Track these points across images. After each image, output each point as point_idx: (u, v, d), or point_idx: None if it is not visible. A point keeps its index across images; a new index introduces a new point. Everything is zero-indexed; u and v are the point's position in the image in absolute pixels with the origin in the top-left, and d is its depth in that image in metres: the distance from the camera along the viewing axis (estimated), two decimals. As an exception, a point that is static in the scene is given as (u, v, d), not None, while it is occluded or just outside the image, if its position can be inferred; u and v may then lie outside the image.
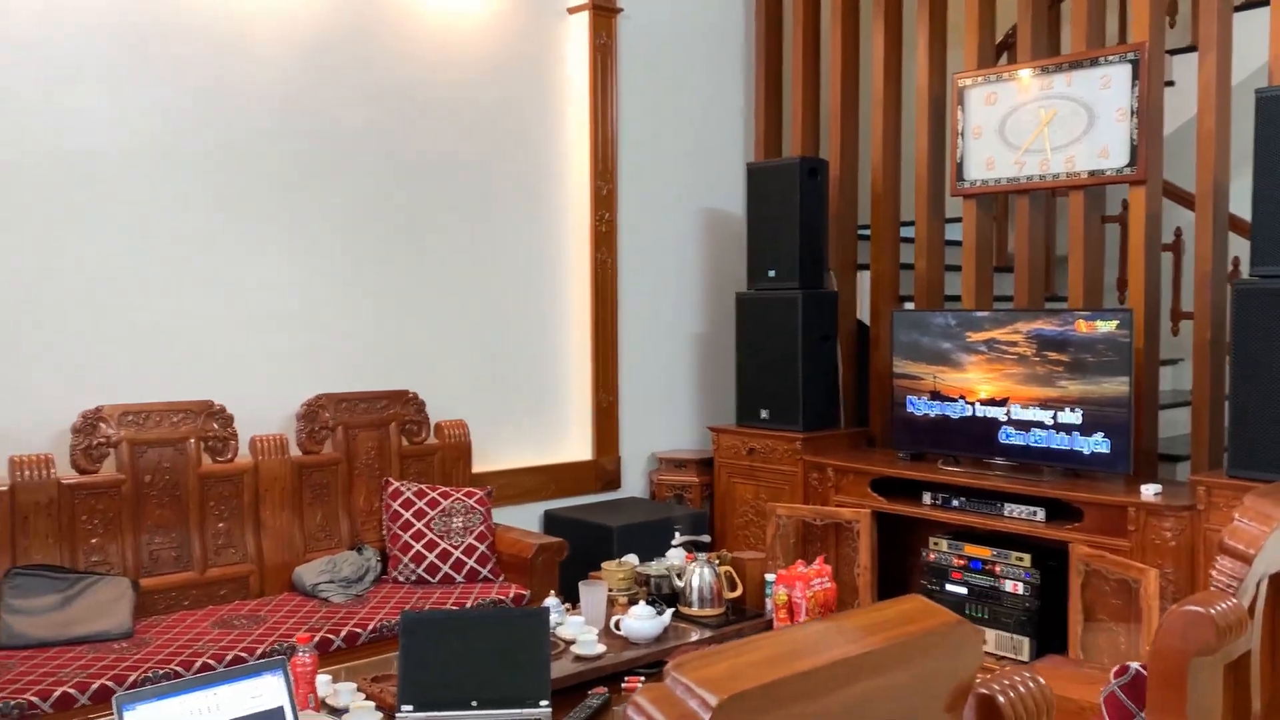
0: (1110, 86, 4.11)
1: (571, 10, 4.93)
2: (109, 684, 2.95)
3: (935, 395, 4.38)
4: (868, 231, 5.13)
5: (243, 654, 3.19)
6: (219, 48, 3.92)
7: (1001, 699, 1.30)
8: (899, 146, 4.98)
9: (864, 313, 5.19)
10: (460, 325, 4.60)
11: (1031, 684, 1.34)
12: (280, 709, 2.28)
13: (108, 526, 3.58)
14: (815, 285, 4.85)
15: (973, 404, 4.26)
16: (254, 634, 3.37)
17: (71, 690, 2.93)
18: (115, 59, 3.71)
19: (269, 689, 2.28)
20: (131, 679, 3.00)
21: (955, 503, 4.14)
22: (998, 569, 3.97)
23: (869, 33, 5.06)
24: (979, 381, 4.24)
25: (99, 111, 3.68)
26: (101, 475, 3.59)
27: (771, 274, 4.88)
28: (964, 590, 4.06)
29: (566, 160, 4.95)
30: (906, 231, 5.11)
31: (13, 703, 2.85)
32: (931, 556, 4.18)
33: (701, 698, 0.91)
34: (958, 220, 4.79)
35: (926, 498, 4.23)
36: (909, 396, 4.47)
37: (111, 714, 2.12)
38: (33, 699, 2.88)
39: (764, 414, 4.89)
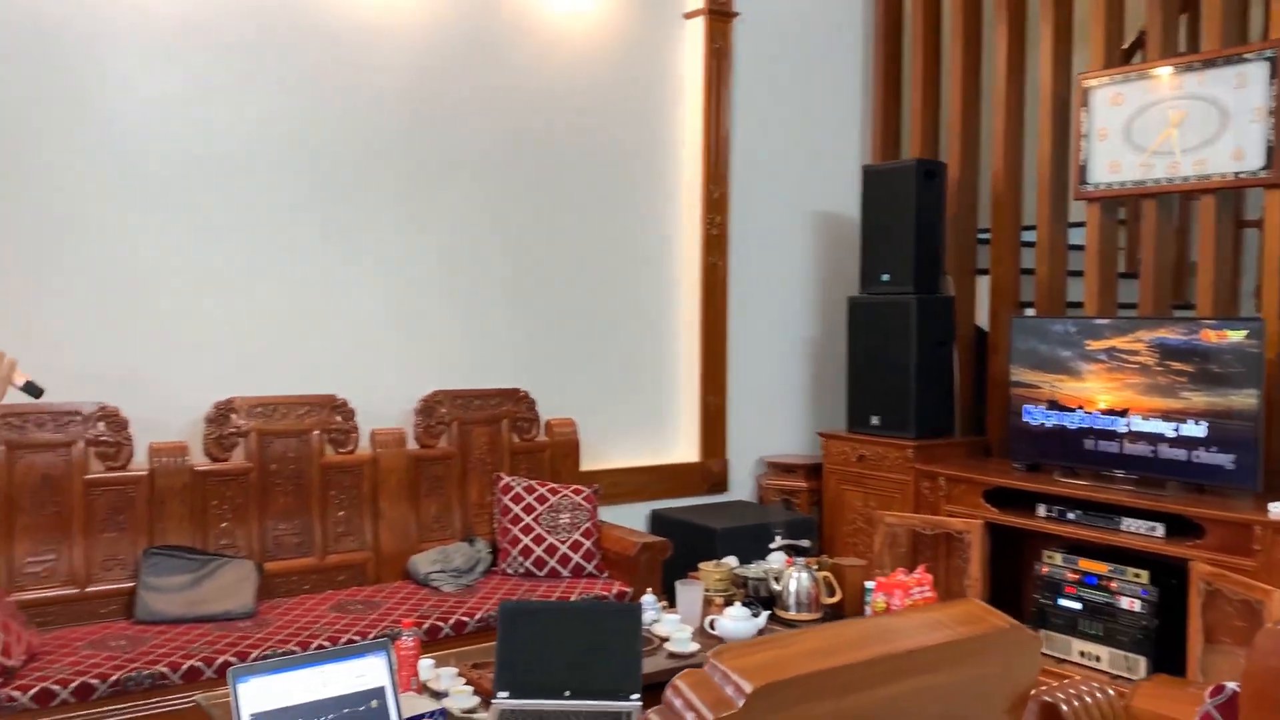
0: (1246, 85, 3.93)
1: (687, 15, 4.98)
2: (231, 659, 3.13)
3: (1053, 404, 4.26)
4: (987, 235, 5.01)
5: (356, 637, 3.34)
6: (341, 57, 4.11)
7: (1065, 707, 1.29)
8: (1021, 148, 4.86)
9: (983, 318, 5.08)
10: (572, 326, 4.69)
11: (1099, 694, 1.32)
12: (382, 689, 2.38)
13: (236, 512, 3.79)
14: (931, 290, 4.77)
15: (1091, 414, 4.13)
16: (368, 618, 3.52)
17: (198, 664, 3.12)
18: (247, 73, 3.92)
19: (373, 669, 2.39)
20: (252, 656, 3.17)
21: (1071, 515, 4.02)
22: (1114, 585, 3.84)
23: (991, 32, 4.95)
24: (1098, 391, 4.11)
25: (230, 120, 3.90)
26: (232, 463, 3.80)
27: (885, 278, 4.82)
28: (1078, 606, 3.93)
29: (679, 164, 5.00)
30: (1028, 236, 4.98)
31: (146, 673, 3.05)
32: (1045, 570, 4.07)
33: (737, 684, 0.94)
34: (1081, 225, 4.64)
35: (1041, 510, 4.12)
36: (1025, 406, 4.36)
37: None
38: (164, 670, 3.08)
39: (875, 420, 4.84)
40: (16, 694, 2.88)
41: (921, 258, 4.72)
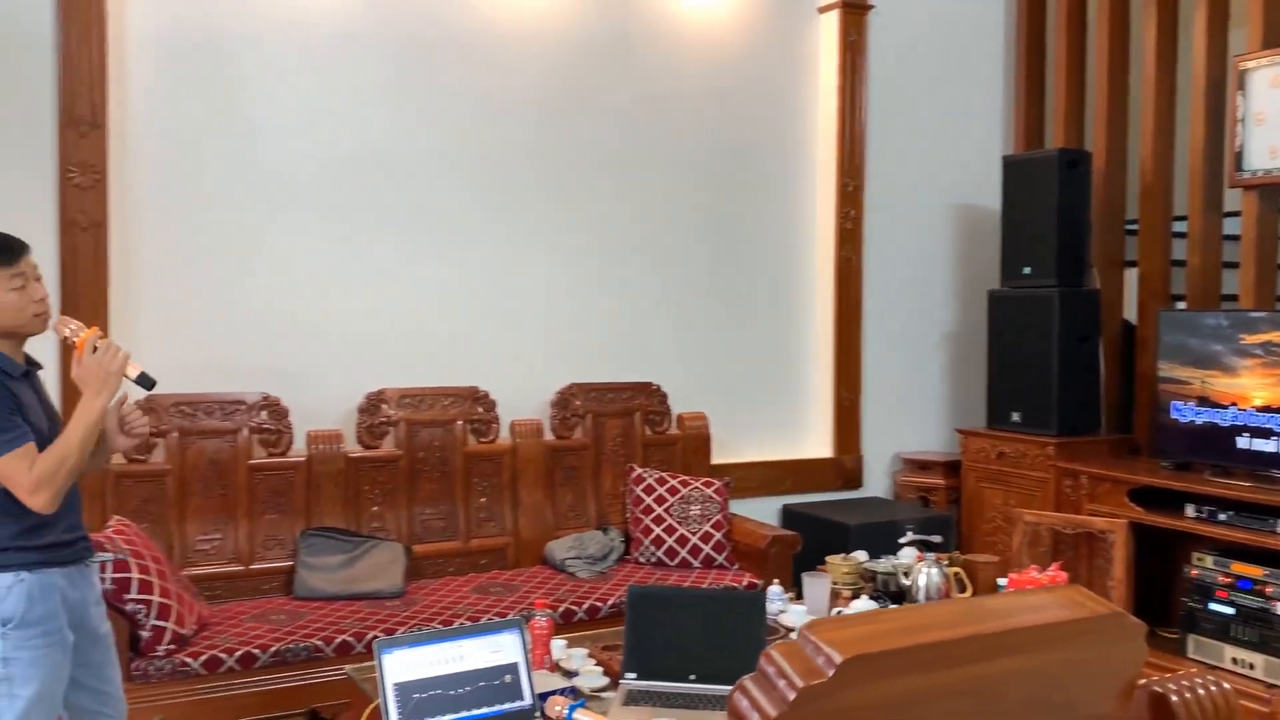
0: None
1: (822, 9, 4.97)
2: (380, 635, 3.32)
3: (1204, 401, 4.09)
4: (1136, 226, 4.84)
5: (495, 617, 3.49)
6: (484, 64, 4.28)
7: (1175, 699, 1.28)
8: (1172, 135, 4.67)
9: (1131, 312, 4.91)
10: (704, 321, 4.76)
11: (1214, 688, 1.31)
12: (515, 664, 2.50)
13: (386, 496, 4.00)
14: (1074, 283, 4.64)
15: (1245, 411, 3.95)
16: (507, 600, 3.67)
17: (350, 639, 3.33)
18: (396, 80, 4.14)
19: (507, 645, 2.52)
20: (399, 633, 3.35)
21: (1222, 516, 3.85)
22: (1269, 590, 3.67)
23: (1140, 15, 4.77)
24: (1253, 387, 3.92)
25: (380, 126, 4.12)
26: (382, 450, 4.02)
27: (1027, 271, 4.71)
28: (1230, 610, 3.77)
29: (813, 157, 5.00)
30: (1179, 226, 4.78)
31: (302, 645, 3.27)
32: (1194, 573, 3.92)
33: (828, 655, 0.99)
34: (1236, 214, 4.43)
35: (1190, 510, 3.97)
36: (1174, 402, 4.20)
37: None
38: (318, 643, 3.29)
39: (1016, 417, 4.74)
40: (189, 660, 3.13)
41: (1064, 250, 4.59)
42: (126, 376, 2.42)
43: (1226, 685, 1.31)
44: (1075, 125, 5.03)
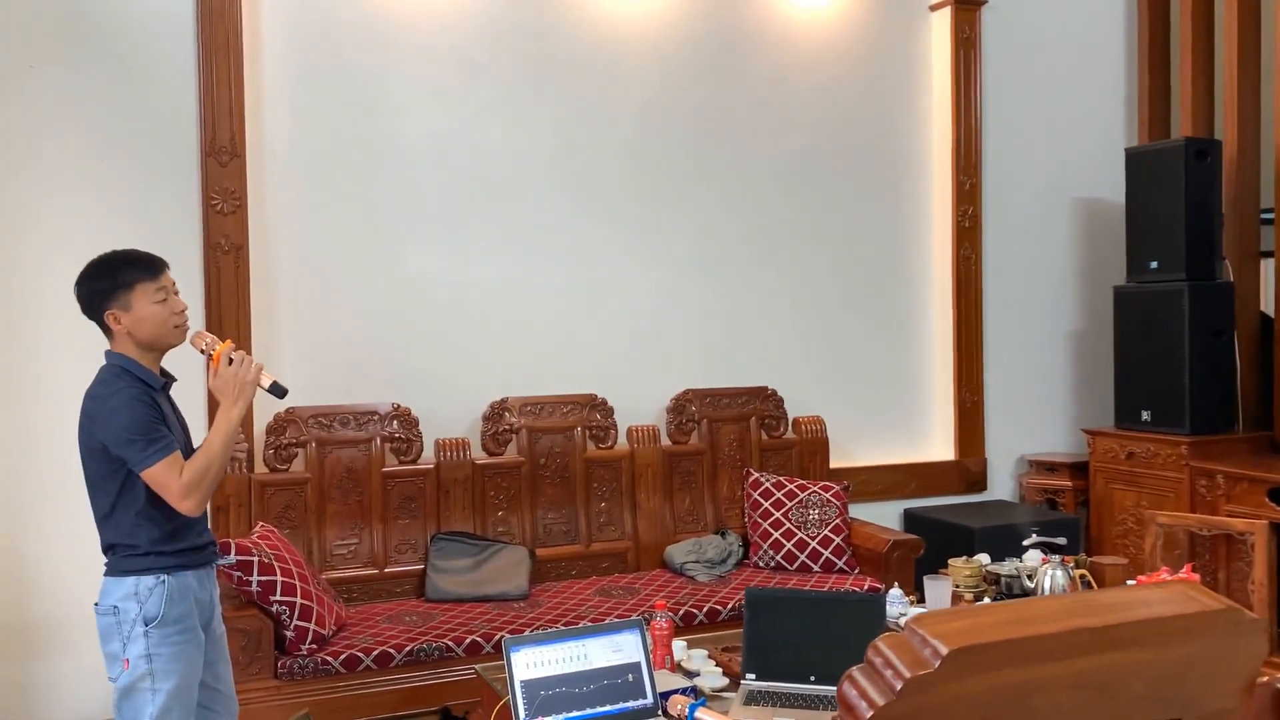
0: None
1: (933, 7, 4.93)
2: (508, 635, 3.43)
3: (1349, 396, 3.90)
4: (1272, 216, 4.64)
5: (618, 619, 3.56)
6: (600, 79, 4.38)
7: (1299, 696, 1.27)
8: (1309, 119, 4.48)
9: (1270, 304, 4.71)
10: (819, 324, 4.76)
11: (1341, 687, 1.29)
12: (638, 664, 2.57)
13: (510, 501, 4.13)
14: (1205, 276, 4.49)
15: (1396, 406, 3.75)
16: (628, 603, 3.75)
17: (479, 639, 3.45)
18: (514, 100, 4.27)
19: (628, 645, 2.59)
20: (526, 633, 3.46)
21: (1372, 517, 3.67)
22: None
23: (1271, -3, 4.59)
24: (1404, 381, 3.73)
25: (500, 145, 4.26)
26: (506, 457, 4.15)
27: (1154, 265, 4.58)
28: (1383, 616, 3.59)
29: (927, 156, 4.95)
30: (1319, 213, 4.57)
31: (434, 645, 3.41)
32: (1343, 576, 3.74)
33: (934, 647, 1.02)
34: (1382, 198, 4.22)
35: (1336, 510, 3.79)
36: (1317, 397, 4.02)
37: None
38: (449, 643, 3.42)
39: (1145, 416, 4.60)
40: (330, 659, 3.30)
41: (1193, 243, 4.45)
42: (260, 386, 2.53)
43: (1355, 684, 1.29)
44: (1204, 114, 4.86)
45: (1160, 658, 1.12)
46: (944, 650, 1.01)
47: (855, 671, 1.05)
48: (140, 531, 2.43)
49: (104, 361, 2.50)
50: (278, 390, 2.57)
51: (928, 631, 1.04)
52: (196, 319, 3.83)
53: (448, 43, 4.18)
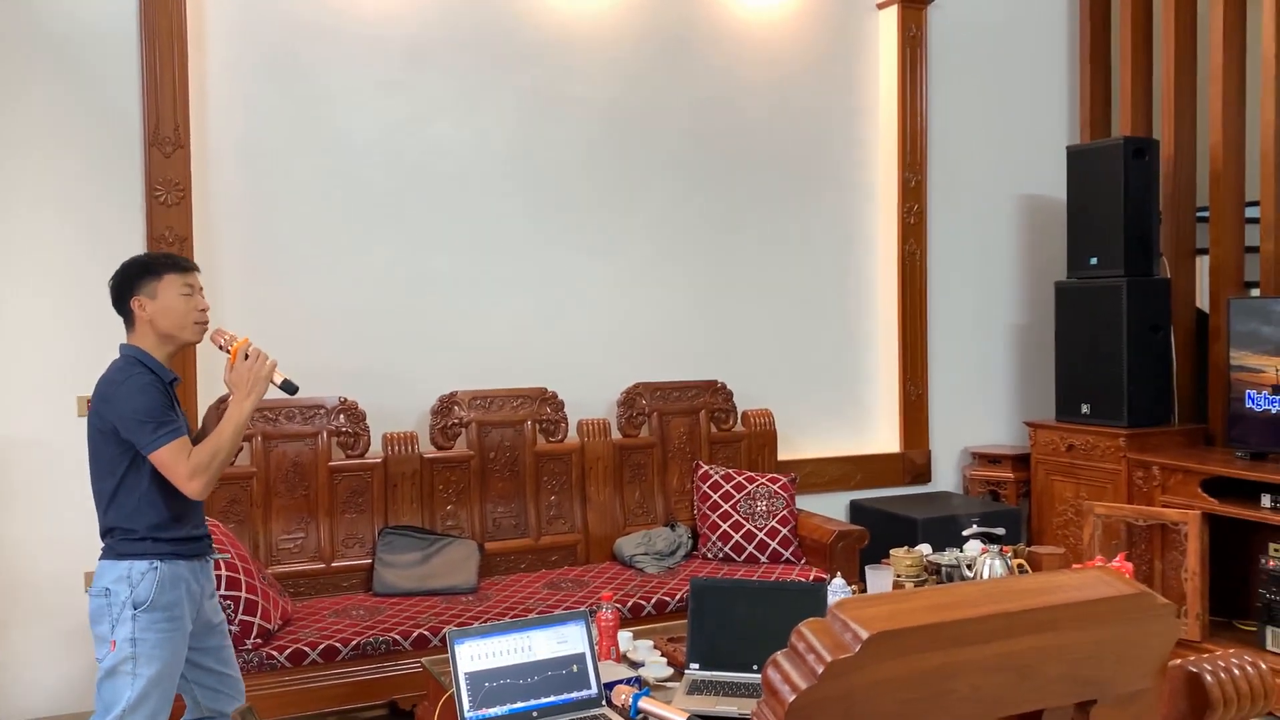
0: None
1: (880, 5, 4.99)
2: (452, 629, 3.44)
3: (1277, 389, 4.02)
4: (1207, 214, 4.76)
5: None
6: (551, 73, 4.38)
7: (1209, 678, 1.31)
8: (1242, 120, 4.59)
9: (1205, 300, 4.83)
10: (768, 318, 4.81)
11: (1250, 669, 1.34)
12: (582, 655, 2.59)
13: (459, 495, 4.13)
14: (1143, 273, 4.59)
15: (1322, 399, 3.87)
16: (577, 595, 3.76)
17: (426, 632, 3.45)
18: (464, 92, 4.27)
19: (573, 636, 2.61)
20: (470, 626, 3.46)
21: (1299, 507, 3.79)
22: (1349, 581, 3.60)
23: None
24: (1330, 375, 3.85)
25: (451, 138, 4.25)
26: (455, 451, 4.15)
27: (1094, 262, 4.67)
28: (1309, 602, 3.71)
29: (874, 154, 5.02)
30: (1252, 212, 4.69)
31: (381, 639, 3.40)
32: (1271, 564, 3.85)
33: (855, 631, 1.05)
34: (1312, 198, 4.34)
35: (1266, 500, 3.90)
36: (1248, 391, 4.13)
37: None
38: (396, 637, 3.42)
39: (1085, 409, 4.70)
40: (275, 653, 3.28)
41: (1132, 239, 4.55)
42: (273, 382, 2.62)
43: (1263, 665, 1.34)
44: (1142, 113, 4.97)
45: (1077, 641, 1.16)
46: (865, 634, 1.04)
47: (779, 656, 1.08)
48: (140, 516, 2.52)
49: (117, 355, 2.59)
50: (289, 387, 2.67)
51: (849, 616, 1.07)
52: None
53: (397, 33, 4.16)
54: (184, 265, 2.63)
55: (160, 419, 2.47)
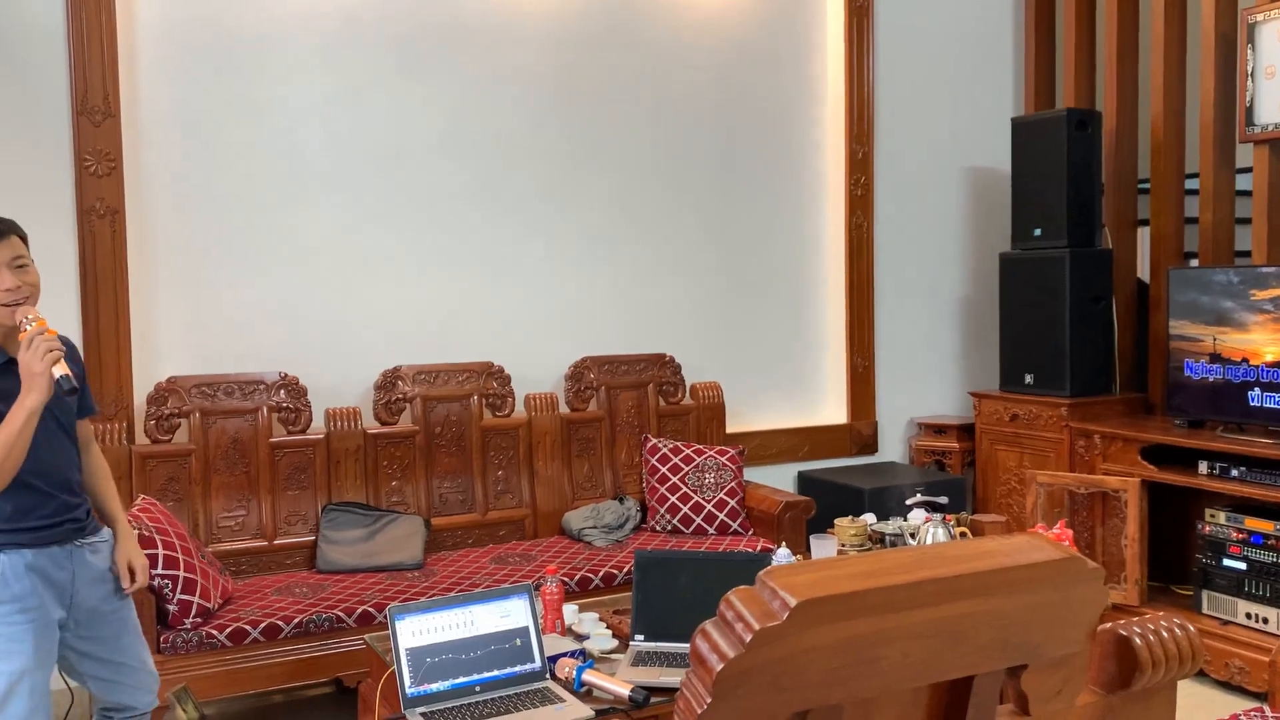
0: None
1: (828, -24, 4.97)
2: (393, 605, 3.40)
3: (1215, 358, 4.09)
4: (1149, 185, 4.81)
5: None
6: (490, 46, 4.31)
7: (1138, 641, 1.32)
8: (1182, 92, 4.64)
9: (1146, 271, 4.90)
10: (715, 291, 4.79)
11: (1179, 631, 1.35)
12: (525, 628, 2.58)
13: (404, 471, 4.08)
14: (1086, 244, 4.63)
15: (1257, 367, 3.94)
16: (524, 569, 3.74)
17: (371, 609, 3.41)
18: (404, 64, 4.18)
19: (516, 610, 2.59)
20: (410, 602, 3.43)
21: (1235, 473, 3.86)
22: (1281, 545, 3.68)
23: (1149, -28, 4.73)
24: (1265, 344, 3.92)
25: (391, 112, 4.17)
26: (399, 426, 4.09)
27: (1038, 233, 4.71)
28: (1243, 566, 3.79)
29: (821, 125, 5.00)
30: (1192, 184, 4.76)
31: (325, 616, 3.35)
32: (1207, 529, 3.93)
33: (783, 599, 1.04)
34: (1249, 170, 4.40)
35: (1203, 467, 3.98)
36: (1186, 360, 4.20)
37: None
38: (340, 614, 3.38)
39: (1029, 379, 4.75)
40: (215, 632, 3.22)
41: (1075, 211, 4.59)
42: (52, 375, 2.28)
43: (1191, 628, 1.35)
44: (1085, 85, 5.01)
45: (1007, 606, 1.16)
46: (792, 602, 1.03)
47: (708, 625, 1.07)
48: None
49: None
50: (61, 386, 2.28)
51: (777, 584, 1.06)
52: (69, 287, 3.69)
53: (332, 3, 4.06)
54: None
55: None
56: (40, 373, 2.24)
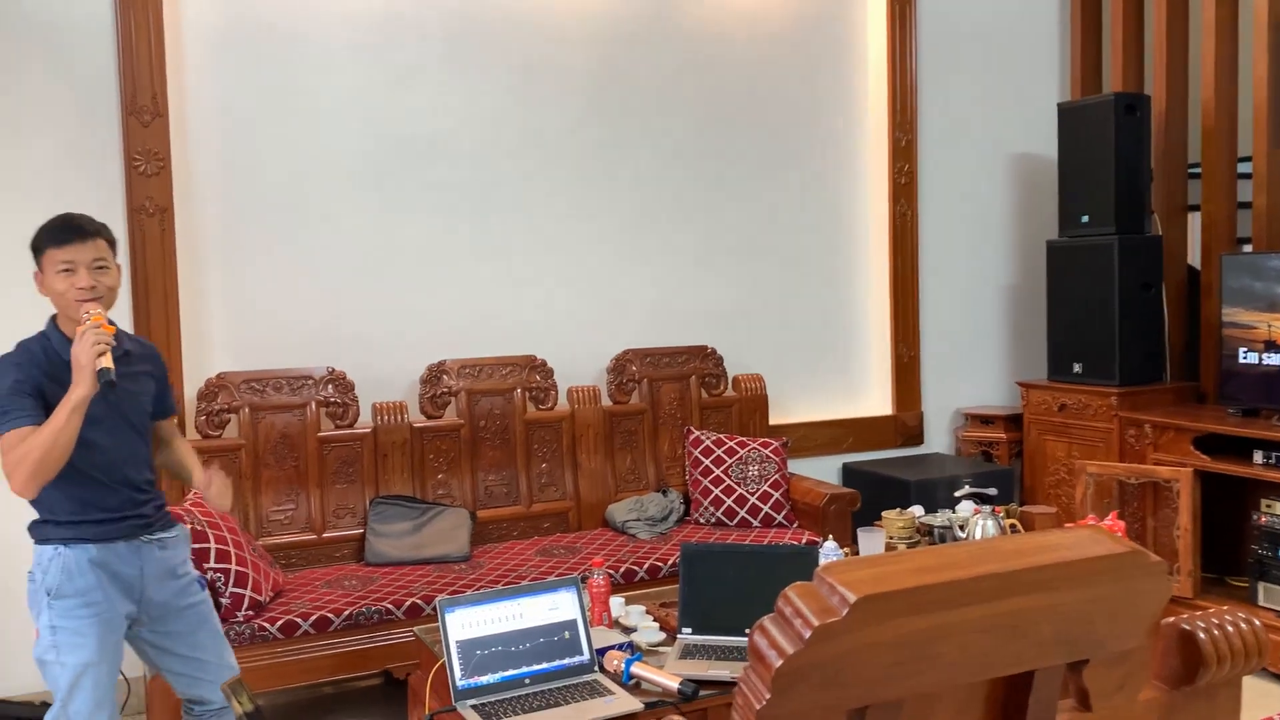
0: None
1: (869, -37, 4.92)
2: (442, 598, 3.42)
3: (1270, 345, 4.01)
4: (1199, 170, 4.72)
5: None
6: (533, 38, 4.32)
7: (1202, 636, 1.30)
8: (1234, 75, 4.54)
9: (1197, 257, 4.81)
10: (757, 282, 4.77)
11: (1244, 625, 1.32)
12: (574, 621, 2.59)
13: (450, 464, 4.11)
14: (1134, 230, 4.56)
15: (1314, 355, 3.86)
16: (569, 562, 3.76)
17: (419, 601, 3.44)
18: (445, 58, 4.20)
19: (564, 603, 2.60)
20: (460, 595, 3.45)
21: (1291, 462, 3.79)
22: (1340, 536, 3.60)
23: (1199, -48, 4.63)
24: (1322, 330, 3.83)
25: (432, 104, 4.19)
26: (445, 420, 4.12)
27: (1085, 220, 4.64)
28: (1300, 558, 3.72)
29: (863, 114, 4.96)
30: (1244, 168, 4.65)
31: (374, 608, 3.39)
32: (1263, 520, 3.86)
33: (842, 595, 1.03)
34: (1304, 152, 4.30)
35: (1258, 456, 3.90)
36: (1240, 347, 4.12)
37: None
38: (389, 606, 3.41)
39: (1077, 368, 4.68)
40: (266, 625, 3.27)
41: (1123, 197, 4.51)
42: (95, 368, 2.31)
43: (1256, 622, 1.32)
44: (1134, 69, 4.92)
45: (1067, 600, 1.14)
46: (852, 598, 1.02)
47: (766, 621, 1.06)
48: (46, 500, 2.41)
49: None
50: (100, 378, 2.30)
51: (836, 579, 1.05)
52: (121, 285, 3.74)
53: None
54: (62, 239, 2.39)
55: (4, 405, 2.30)
56: (86, 365, 2.29)
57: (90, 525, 2.43)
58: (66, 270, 2.40)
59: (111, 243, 2.50)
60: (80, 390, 2.29)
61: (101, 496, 2.44)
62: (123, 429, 2.49)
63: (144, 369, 2.60)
